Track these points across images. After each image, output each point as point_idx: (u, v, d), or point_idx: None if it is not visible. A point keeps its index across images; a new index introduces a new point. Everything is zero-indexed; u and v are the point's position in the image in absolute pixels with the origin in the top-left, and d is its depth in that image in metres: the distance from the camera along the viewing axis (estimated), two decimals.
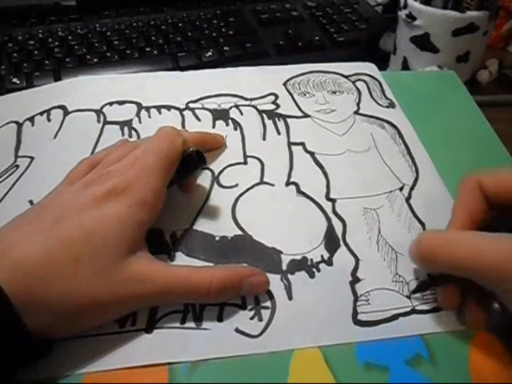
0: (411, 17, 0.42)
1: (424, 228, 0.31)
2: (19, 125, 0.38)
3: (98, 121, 0.38)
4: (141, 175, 0.26)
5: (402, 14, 0.43)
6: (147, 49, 0.48)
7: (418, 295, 0.27)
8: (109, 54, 0.47)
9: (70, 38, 0.49)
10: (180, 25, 0.52)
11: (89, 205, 0.25)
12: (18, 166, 0.35)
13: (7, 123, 0.38)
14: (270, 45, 0.50)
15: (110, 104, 0.39)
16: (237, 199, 0.32)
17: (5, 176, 0.34)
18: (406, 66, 0.46)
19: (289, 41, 0.50)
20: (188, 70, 0.45)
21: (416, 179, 0.34)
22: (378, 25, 0.53)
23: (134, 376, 0.24)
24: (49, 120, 0.38)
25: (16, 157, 0.35)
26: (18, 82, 0.43)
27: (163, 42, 0.49)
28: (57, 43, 0.48)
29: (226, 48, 0.48)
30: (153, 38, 0.50)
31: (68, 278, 0.23)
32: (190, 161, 0.29)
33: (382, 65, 0.47)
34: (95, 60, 0.46)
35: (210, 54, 0.48)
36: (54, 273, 0.23)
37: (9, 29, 0.51)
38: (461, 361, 0.25)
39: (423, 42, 0.43)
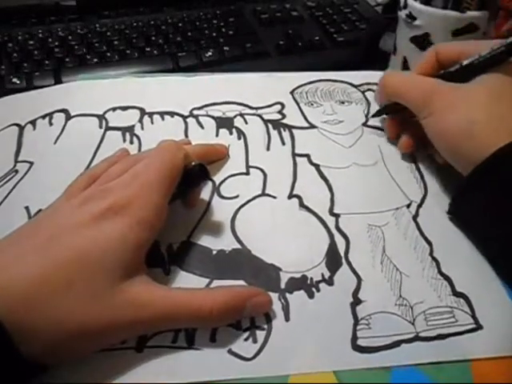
0: (411, 17, 0.42)
1: (431, 248, 0.30)
2: (21, 128, 0.37)
3: (100, 126, 0.37)
4: (141, 192, 0.25)
5: (402, 13, 0.43)
6: (147, 49, 0.48)
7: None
8: (109, 54, 0.47)
9: (70, 38, 0.49)
10: (180, 25, 0.51)
11: (86, 223, 0.24)
12: (17, 171, 0.34)
13: (9, 126, 0.38)
14: (270, 45, 0.49)
15: (113, 109, 0.39)
16: (237, 211, 0.31)
17: (4, 181, 0.34)
18: (406, 66, 0.46)
19: (289, 41, 0.49)
20: (188, 70, 0.45)
21: (424, 196, 0.33)
22: (378, 25, 0.53)
23: None
24: (50, 124, 0.38)
25: (16, 161, 0.35)
26: (17, 82, 0.43)
27: (163, 42, 0.49)
28: (57, 43, 0.48)
29: (225, 48, 0.48)
30: (153, 38, 0.49)
31: (58, 304, 0.22)
32: (192, 176, 0.28)
33: (382, 65, 0.46)
34: (95, 60, 0.46)
35: (209, 53, 0.47)
36: (44, 298, 0.22)
37: (9, 29, 0.51)
38: None
39: (423, 42, 0.42)
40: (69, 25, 0.51)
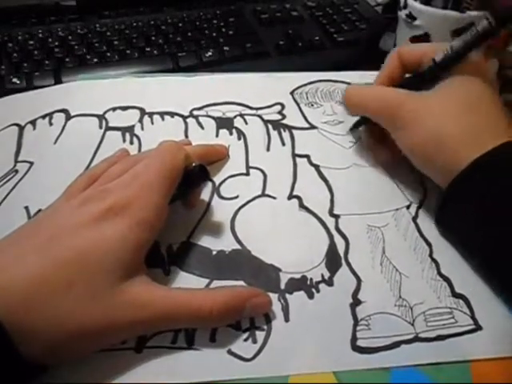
0: (411, 17, 0.42)
1: (431, 249, 0.30)
2: (21, 128, 0.37)
3: (100, 126, 0.37)
4: (141, 193, 0.25)
5: (402, 14, 0.43)
6: (147, 49, 0.48)
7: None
8: (109, 54, 0.47)
9: (70, 38, 0.49)
10: (180, 25, 0.51)
11: (85, 224, 0.24)
12: (17, 171, 0.34)
13: (9, 126, 0.38)
14: (270, 45, 0.49)
15: (113, 109, 0.39)
16: (237, 211, 0.31)
17: (4, 181, 0.33)
18: None
19: (289, 41, 0.50)
20: (188, 70, 0.45)
21: (424, 197, 0.33)
22: (377, 25, 0.53)
23: None
24: (50, 124, 0.38)
25: (16, 161, 0.35)
26: (17, 82, 0.43)
27: (163, 42, 0.49)
28: (57, 43, 0.48)
29: (226, 48, 0.48)
30: (153, 37, 0.49)
31: (58, 304, 0.22)
32: (192, 176, 0.28)
33: (382, 65, 0.46)
34: (95, 60, 0.46)
35: (209, 53, 0.47)
36: (44, 299, 0.22)
37: (9, 29, 0.51)
38: None
39: (423, 42, 0.42)
40: (69, 25, 0.51)
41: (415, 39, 0.42)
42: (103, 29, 0.51)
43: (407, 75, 0.34)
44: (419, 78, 0.32)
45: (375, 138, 0.35)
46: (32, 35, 0.49)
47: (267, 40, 0.50)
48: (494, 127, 0.28)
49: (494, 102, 0.29)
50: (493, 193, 0.27)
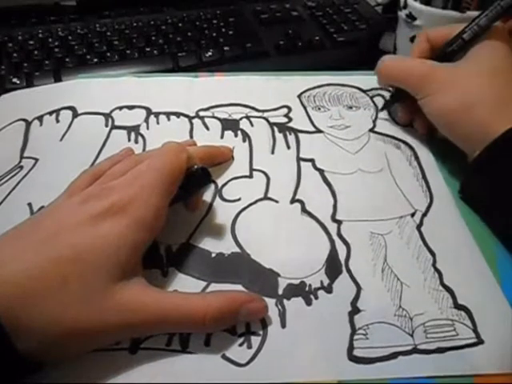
0: (411, 17, 0.42)
1: (435, 259, 0.29)
2: (28, 123, 0.38)
3: (106, 125, 0.37)
4: (141, 193, 0.25)
5: (402, 14, 0.43)
6: (147, 49, 0.48)
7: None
8: (109, 54, 0.47)
9: (70, 37, 0.49)
10: (180, 25, 0.52)
11: (85, 222, 0.24)
12: (22, 167, 0.34)
13: (16, 120, 0.38)
14: (270, 45, 0.49)
15: (120, 108, 0.39)
16: (238, 214, 0.31)
17: (8, 177, 0.34)
18: None
19: (289, 41, 0.49)
20: (188, 70, 0.45)
21: (429, 205, 0.32)
22: (377, 25, 0.53)
23: None
24: (57, 121, 0.38)
25: (21, 157, 0.35)
26: (17, 82, 0.43)
27: (163, 42, 0.49)
28: (57, 43, 0.48)
29: (226, 48, 0.48)
30: (153, 37, 0.49)
31: (54, 301, 0.22)
32: (194, 178, 0.28)
33: None
34: (95, 60, 0.46)
35: (209, 53, 0.47)
36: (40, 295, 0.22)
37: (9, 29, 0.51)
38: None
39: None
40: (69, 25, 0.52)
41: (415, 39, 0.42)
42: (103, 29, 0.51)
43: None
44: (450, 56, 0.34)
45: (408, 114, 0.37)
46: (32, 35, 0.50)
47: (267, 40, 0.50)
48: None
49: None
50: None
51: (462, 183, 0.32)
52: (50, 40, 0.49)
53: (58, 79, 0.44)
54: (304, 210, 0.31)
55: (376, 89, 0.41)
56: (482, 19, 0.32)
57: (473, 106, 0.30)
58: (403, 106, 0.37)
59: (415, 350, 0.24)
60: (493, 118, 0.29)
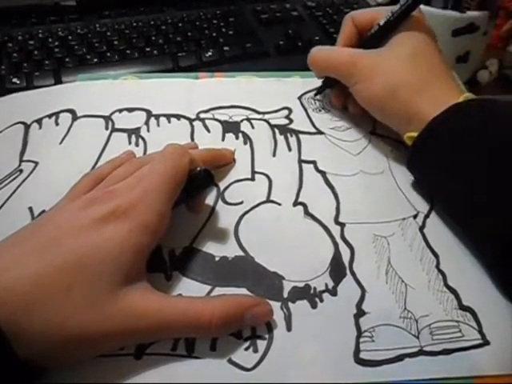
0: None
1: (438, 260, 0.29)
2: (26, 126, 0.37)
3: (106, 128, 0.37)
4: (144, 197, 0.25)
5: None
6: (147, 49, 0.47)
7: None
8: (109, 54, 0.46)
9: (70, 37, 0.49)
10: (180, 25, 0.51)
11: (87, 227, 0.23)
12: (21, 171, 0.34)
13: (15, 124, 0.38)
14: (269, 45, 0.49)
15: (120, 111, 0.39)
16: (241, 217, 0.31)
17: (8, 180, 0.33)
18: None
19: (289, 41, 0.49)
20: (188, 70, 0.45)
21: (431, 207, 0.32)
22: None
23: None
24: (57, 124, 0.38)
25: (21, 161, 0.35)
26: (17, 82, 0.43)
27: (163, 42, 0.49)
28: (57, 43, 0.48)
29: (226, 48, 0.48)
30: (153, 37, 0.49)
31: (57, 307, 0.21)
32: (197, 180, 0.28)
33: None
34: (95, 60, 0.46)
35: (209, 53, 0.47)
36: (43, 301, 0.21)
37: (9, 29, 0.51)
38: None
39: None
40: (69, 25, 0.51)
41: None
42: (103, 29, 0.51)
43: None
44: (370, 40, 0.36)
45: (340, 98, 0.39)
46: (32, 35, 0.49)
47: (267, 40, 0.50)
48: (440, 75, 0.33)
49: (437, 53, 0.34)
50: (453, 147, 0.30)
51: (407, 164, 0.33)
52: (50, 40, 0.48)
53: (57, 79, 0.43)
54: (307, 213, 0.31)
55: None
56: (396, 7, 0.34)
57: (396, 90, 0.32)
58: (335, 91, 0.39)
59: (421, 352, 0.25)
60: (415, 98, 0.32)
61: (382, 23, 0.35)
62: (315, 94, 0.40)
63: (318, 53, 0.37)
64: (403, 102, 0.32)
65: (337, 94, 0.39)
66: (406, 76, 0.32)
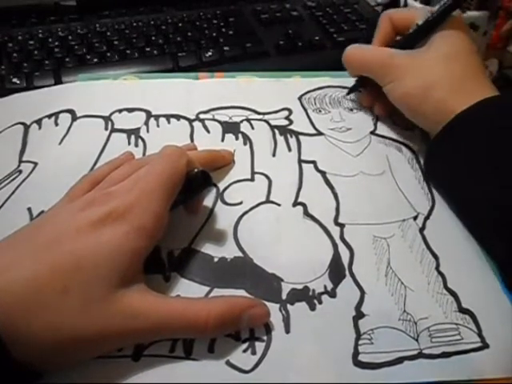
0: None
1: (438, 262, 0.29)
2: (26, 127, 0.37)
3: (106, 128, 0.37)
4: (141, 199, 0.25)
5: None
6: (147, 49, 0.47)
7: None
8: (109, 54, 0.46)
9: (70, 37, 0.49)
10: (180, 25, 0.51)
11: (84, 229, 0.23)
12: (20, 172, 0.34)
13: (14, 124, 0.38)
14: (269, 45, 0.49)
15: (119, 111, 0.39)
16: (240, 218, 0.31)
17: (7, 181, 0.33)
18: None
19: (289, 41, 0.49)
20: (188, 70, 0.45)
21: (432, 208, 0.32)
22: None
23: None
24: (56, 124, 0.38)
25: (20, 161, 0.35)
26: (17, 82, 0.43)
27: (163, 42, 0.49)
28: (57, 43, 0.48)
29: (226, 48, 0.48)
30: (153, 37, 0.49)
31: (54, 309, 0.21)
32: (195, 182, 0.28)
33: None
34: (95, 60, 0.46)
35: (209, 53, 0.47)
36: (40, 303, 0.21)
37: (9, 29, 0.51)
38: None
39: None
40: (69, 25, 0.51)
41: None
42: (103, 29, 0.50)
43: (398, 38, 0.38)
44: (408, 40, 0.36)
45: (370, 98, 0.39)
46: (32, 35, 0.49)
47: (267, 40, 0.50)
48: (477, 75, 0.32)
49: (475, 53, 0.33)
50: (473, 146, 0.30)
51: (425, 161, 0.33)
52: (50, 40, 0.48)
53: (57, 79, 0.43)
54: (306, 214, 0.31)
55: None
56: (436, 7, 0.34)
57: (431, 88, 0.32)
58: (367, 91, 0.39)
59: (420, 355, 0.24)
60: (450, 97, 0.31)
61: (420, 23, 0.34)
62: (347, 93, 0.40)
63: (353, 51, 0.37)
64: (437, 101, 0.32)
65: (368, 93, 0.39)
66: (441, 75, 0.32)
